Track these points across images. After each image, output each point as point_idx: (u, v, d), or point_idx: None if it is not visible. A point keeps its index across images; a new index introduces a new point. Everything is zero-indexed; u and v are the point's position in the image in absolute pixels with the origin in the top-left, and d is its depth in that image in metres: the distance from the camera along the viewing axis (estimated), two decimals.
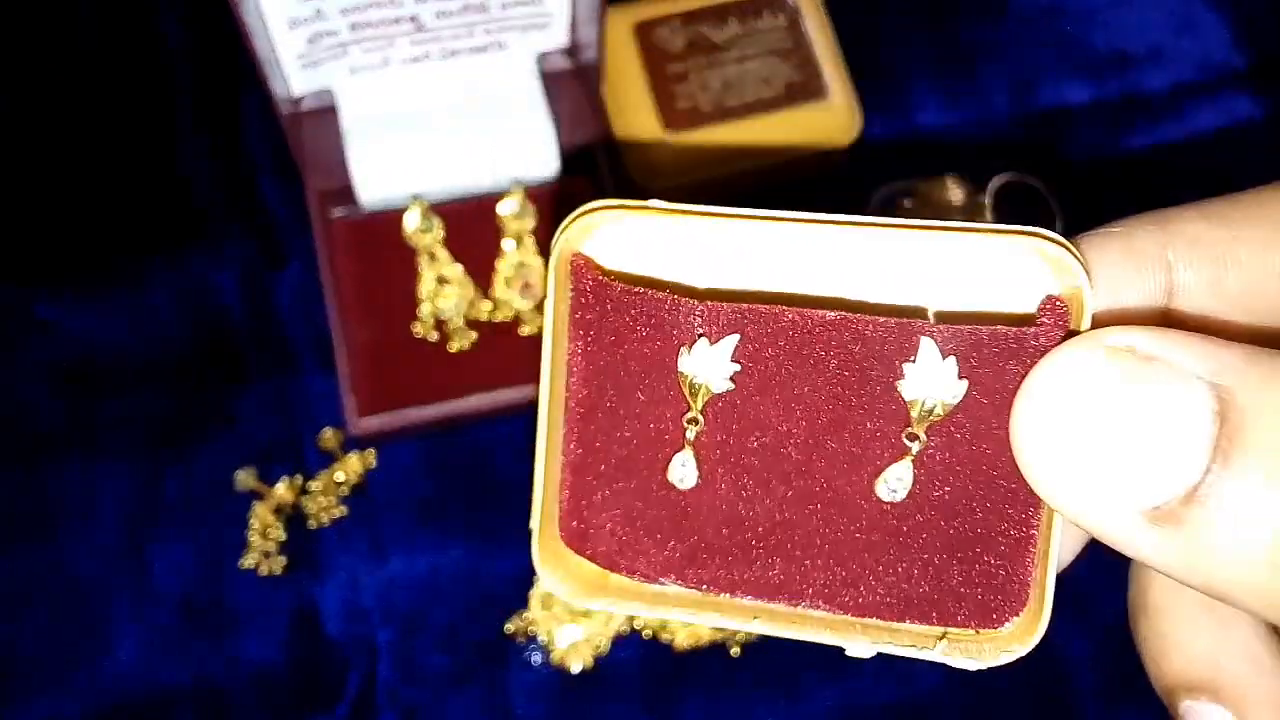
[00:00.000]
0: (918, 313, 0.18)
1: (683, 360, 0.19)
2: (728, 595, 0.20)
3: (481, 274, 0.49)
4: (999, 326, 0.18)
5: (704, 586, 0.20)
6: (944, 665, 0.50)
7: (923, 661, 0.48)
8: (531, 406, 0.49)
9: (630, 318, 0.19)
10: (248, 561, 0.46)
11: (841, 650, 0.49)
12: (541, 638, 0.46)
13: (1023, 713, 0.47)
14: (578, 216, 0.19)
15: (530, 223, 0.50)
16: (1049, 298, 0.18)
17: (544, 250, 0.50)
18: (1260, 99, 0.57)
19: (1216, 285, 0.18)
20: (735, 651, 0.46)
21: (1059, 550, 0.19)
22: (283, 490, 0.47)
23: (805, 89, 0.51)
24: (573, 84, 0.50)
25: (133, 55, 0.55)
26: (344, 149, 0.48)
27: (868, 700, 0.46)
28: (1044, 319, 0.18)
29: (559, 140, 0.50)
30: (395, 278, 0.49)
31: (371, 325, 0.49)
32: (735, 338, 0.19)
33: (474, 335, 0.49)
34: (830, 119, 0.51)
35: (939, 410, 0.18)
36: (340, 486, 0.48)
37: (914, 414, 0.18)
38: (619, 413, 0.20)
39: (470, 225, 0.50)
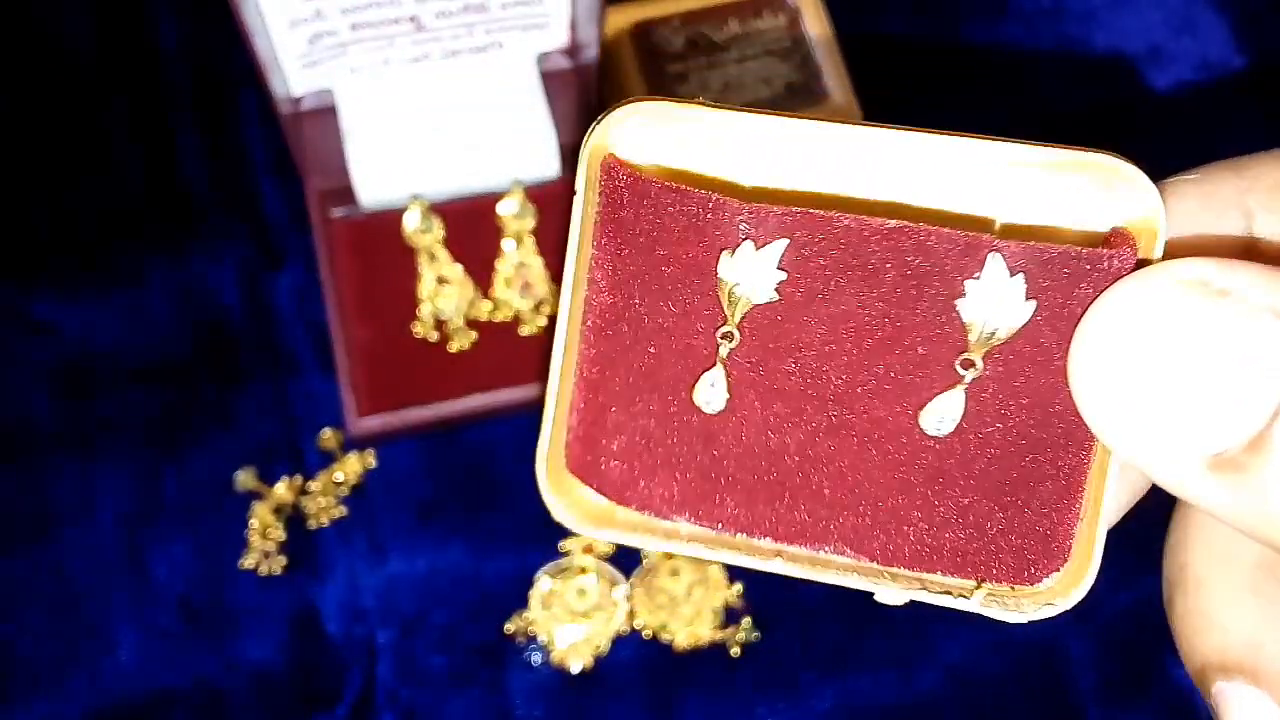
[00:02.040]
0: (984, 225, 0.17)
1: (723, 266, 0.17)
2: (744, 535, 0.18)
3: (481, 274, 0.49)
4: (1071, 246, 0.16)
5: (718, 525, 0.19)
6: (945, 668, 0.49)
7: (922, 661, 0.48)
8: (532, 407, 0.49)
9: (668, 217, 0.17)
10: (247, 562, 0.46)
11: (841, 651, 0.49)
12: (541, 638, 0.46)
13: (1023, 713, 0.47)
14: (613, 110, 0.17)
15: (530, 223, 0.50)
16: (1117, 229, 0.17)
17: (544, 251, 0.50)
18: (1260, 99, 0.57)
19: None
20: (735, 652, 0.46)
21: (1111, 501, 0.17)
22: (282, 490, 0.47)
23: (805, 89, 0.51)
24: (572, 84, 0.50)
25: (130, 54, 0.55)
26: (344, 149, 0.48)
27: (867, 701, 0.46)
28: (1117, 243, 0.16)
29: (559, 140, 0.50)
30: (395, 278, 0.49)
31: (371, 325, 0.49)
32: (784, 242, 0.17)
33: (474, 335, 0.49)
34: (830, 119, 0.51)
35: (1000, 334, 0.16)
36: (340, 487, 0.48)
37: (972, 337, 0.16)
38: (645, 325, 0.18)
39: (470, 225, 0.50)
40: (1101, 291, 0.16)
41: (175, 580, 0.47)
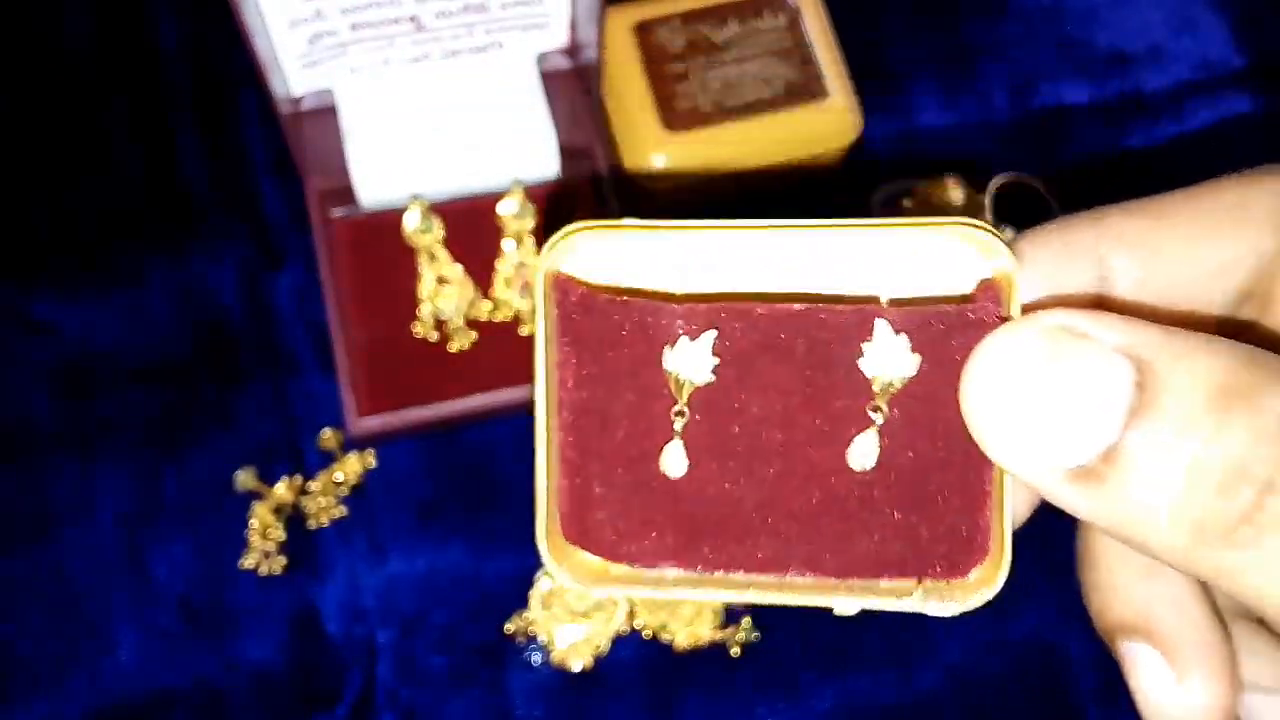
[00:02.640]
0: (872, 300, 0.20)
1: (667, 358, 0.21)
2: (721, 572, 0.22)
3: (481, 274, 0.49)
4: (942, 305, 0.20)
5: (697, 568, 0.22)
6: (945, 668, 0.49)
7: (922, 661, 0.48)
8: (531, 406, 0.49)
9: (615, 323, 0.21)
10: (247, 562, 0.46)
11: (841, 651, 0.49)
12: (541, 638, 0.46)
13: (1023, 713, 0.47)
14: (559, 240, 0.20)
15: (530, 222, 0.50)
16: (983, 280, 0.20)
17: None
18: (1260, 99, 0.57)
19: (1144, 275, 0.20)
20: (735, 652, 0.46)
21: (1013, 503, 0.21)
22: (282, 490, 0.47)
23: (805, 89, 0.51)
24: (572, 84, 0.50)
25: (130, 54, 0.55)
26: (344, 149, 0.48)
27: (867, 701, 0.46)
28: (980, 298, 0.20)
29: (559, 140, 0.50)
30: (395, 278, 0.49)
31: (371, 325, 0.49)
32: (713, 333, 0.20)
33: (474, 335, 0.49)
34: (830, 119, 0.51)
35: (896, 383, 0.20)
36: (340, 487, 0.48)
37: (876, 388, 0.20)
38: (611, 412, 0.21)
39: (470, 225, 0.50)
40: (972, 339, 0.19)
41: (175, 580, 0.47)
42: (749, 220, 0.20)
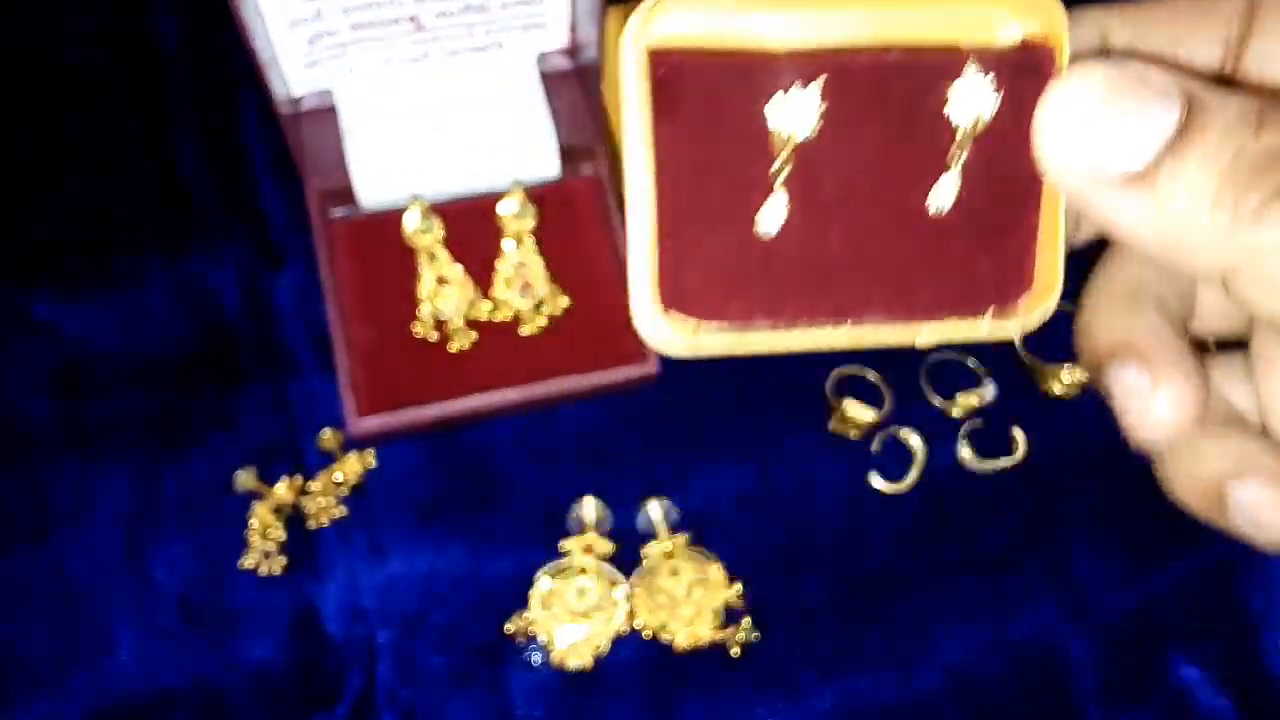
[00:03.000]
0: (954, 48, 0.22)
1: (772, 108, 0.21)
2: (805, 320, 0.23)
3: (481, 274, 0.50)
4: (1015, 49, 0.22)
5: (784, 320, 0.23)
6: (945, 668, 0.49)
7: (923, 663, 0.48)
8: (532, 406, 0.50)
9: (714, 84, 0.21)
10: (247, 562, 0.47)
11: (841, 651, 0.49)
12: (541, 638, 0.46)
13: (1023, 714, 0.47)
14: (649, 11, 0.21)
15: (530, 222, 0.50)
16: (1028, 36, 0.23)
17: (544, 251, 0.50)
18: None
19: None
20: (735, 652, 0.46)
21: (1064, 233, 0.24)
22: (282, 490, 0.47)
23: None
24: (572, 84, 0.50)
25: (130, 54, 0.55)
26: (344, 149, 0.49)
27: (867, 701, 0.46)
28: (1037, 49, 0.22)
29: (559, 140, 0.50)
30: (395, 278, 0.49)
31: (371, 325, 0.49)
32: (822, 78, 0.21)
33: (474, 335, 0.49)
34: None
35: (980, 122, 0.22)
36: (339, 487, 0.48)
37: (959, 133, 0.22)
38: (709, 175, 0.22)
39: (470, 225, 0.50)
40: (1040, 81, 0.22)
41: (175, 580, 0.47)
42: None
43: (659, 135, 0.22)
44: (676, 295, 0.23)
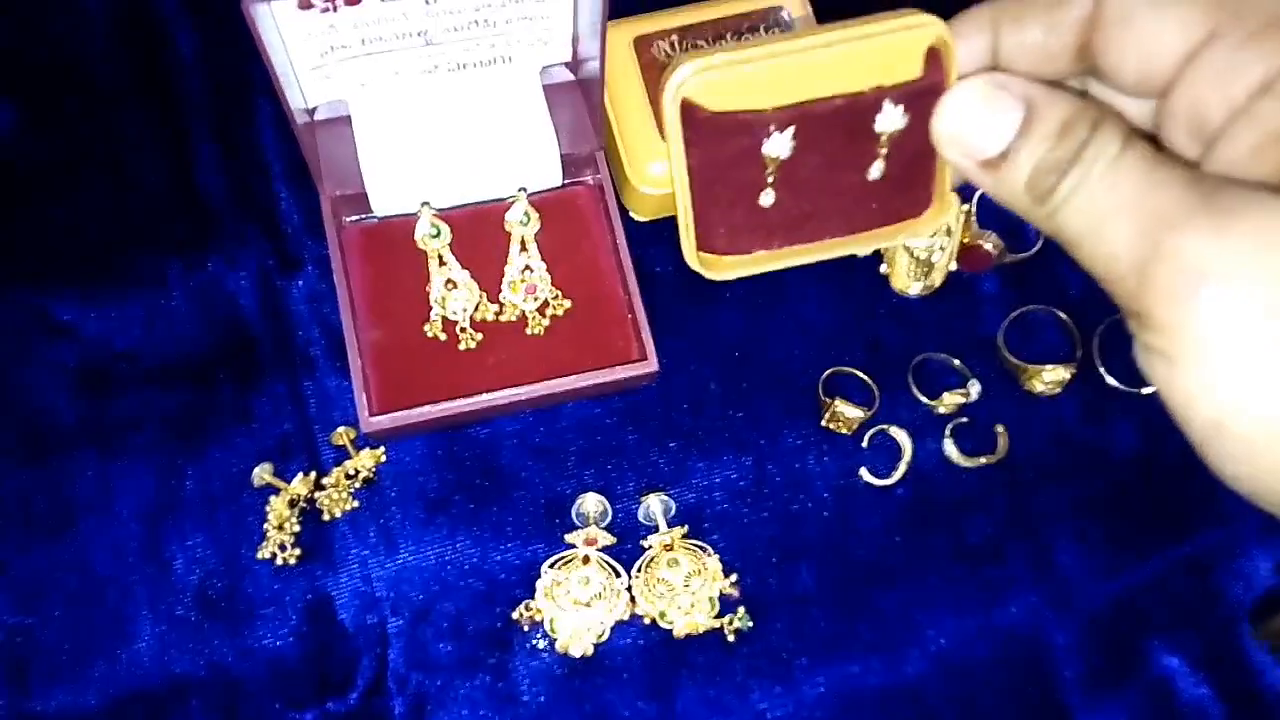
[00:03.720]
0: (878, 88, 0.31)
1: (765, 145, 0.31)
2: (790, 246, 0.33)
3: (489, 278, 0.51)
4: (916, 84, 0.31)
5: (778, 246, 0.34)
6: (932, 655, 0.50)
7: (911, 650, 0.48)
8: (537, 404, 0.50)
9: (727, 128, 0.31)
10: (264, 553, 0.47)
11: (832, 638, 0.50)
12: (545, 625, 0.47)
13: (1007, 700, 0.48)
14: (685, 70, 0.30)
15: (534, 228, 0.51)
16: (929, 49, 0.30)
17: (547, 255, 0.51)
18: None
19: (1019, 40, 0.31)
20: (731, 639, 0.47)
21: (952, 175, 0.33)
22: (298, 485, 0.48)
23: None
24: (575, 95, 0.51)
25: (150, 64, 0.56)
26: (356, 158, 0.49)
27: (857, 684, 0.47)
28: (932, 68, 0.30)
29: (562, 149, 0.51)
30: (405, 281, 0.50)
31: (382, 327, 0.50)
32: (792, 128, 0.31)
33: (481, 336, 0.50)
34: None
35: (894, 132, 0.31)
36: (353, 481, 0.49)
37: (883, 138, 0.31)
38: (725, 178, 0.32)
39: (478, 231, 0.51)
40: (933, 100, 0.30)
41: (193, 572, 0.48)
42: (790, 38, 0.30)
43: (690, 157, 0.31)
44: (710, 242, 0.33)
